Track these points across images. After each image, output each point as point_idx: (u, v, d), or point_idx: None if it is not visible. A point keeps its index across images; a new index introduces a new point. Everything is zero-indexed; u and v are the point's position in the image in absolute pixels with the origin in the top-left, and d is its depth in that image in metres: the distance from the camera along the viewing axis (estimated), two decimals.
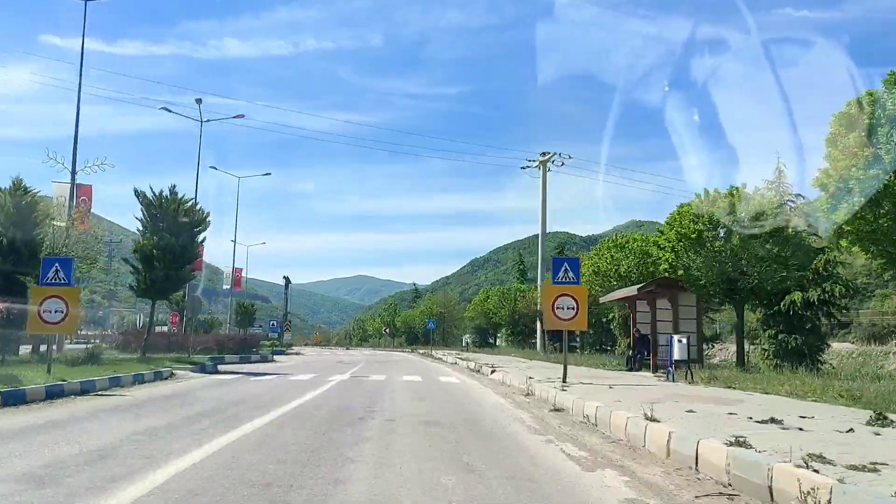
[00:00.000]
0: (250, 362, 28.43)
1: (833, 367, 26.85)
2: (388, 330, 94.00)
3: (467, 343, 64.81)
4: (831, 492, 4.07)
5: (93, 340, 37.65)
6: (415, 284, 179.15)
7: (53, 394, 11.24)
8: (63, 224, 22.97)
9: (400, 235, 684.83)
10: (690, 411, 8.46)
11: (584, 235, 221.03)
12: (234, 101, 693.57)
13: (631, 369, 19.62)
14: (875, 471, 4.66)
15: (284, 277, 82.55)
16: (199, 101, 36.65)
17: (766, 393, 11.55)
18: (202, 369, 20.25)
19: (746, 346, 28.74)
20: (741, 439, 5.77)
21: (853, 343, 46.27)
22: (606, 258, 35.82)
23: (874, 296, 50.35)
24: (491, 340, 68.91)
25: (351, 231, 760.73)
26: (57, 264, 13.97)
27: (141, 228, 22.62)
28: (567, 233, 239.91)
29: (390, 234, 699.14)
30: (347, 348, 77.55)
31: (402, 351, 61.24)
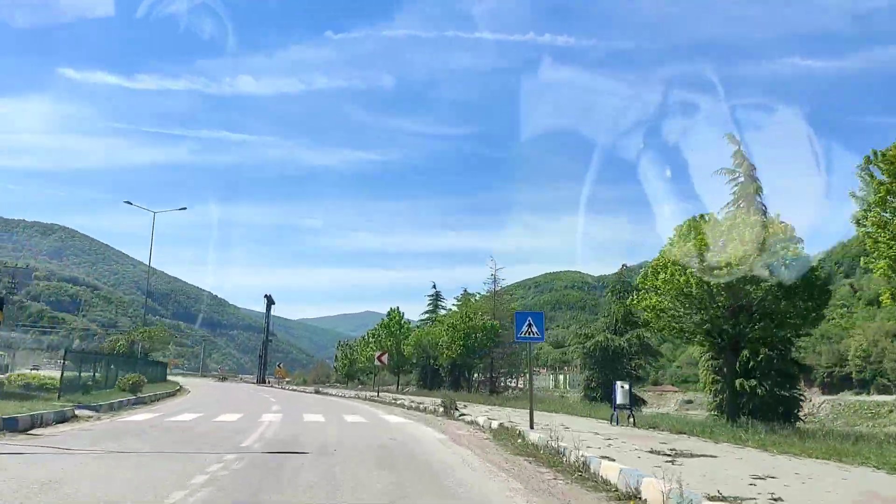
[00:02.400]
0: None
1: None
2: (382, 358, 48.88)
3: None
4: None
5: None
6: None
7: None
8: None
9: (407, 272, 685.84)
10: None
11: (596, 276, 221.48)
12: (247, 136, 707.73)
13: None
14: None
15: (266, 297, 78.49)
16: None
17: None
18: None
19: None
20: None
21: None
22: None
23: None
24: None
25: (357, 267, 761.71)
26: None
27: None
28: (579, 272, 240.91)
29: (397, 271, 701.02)
30: (290, 390, 60.60)
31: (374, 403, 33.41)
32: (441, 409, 22.43)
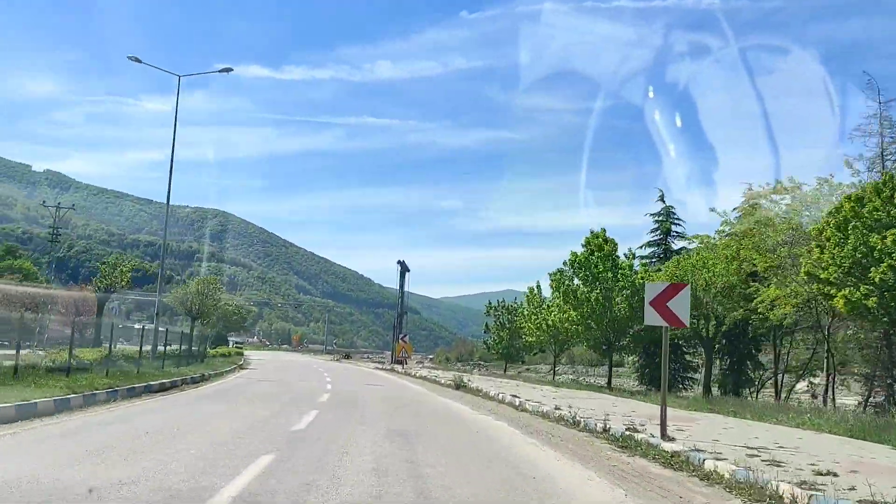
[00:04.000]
0: None
1: None
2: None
3: None
4: None
5: None
6: None
7: None
8: None
9: (546, 251, 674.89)
10: None
11: None
12: (388, 121, 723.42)
13: None
14: None
15: (399, 262, 68.74)
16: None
17: None
18: None
19: None
20: None
21: None
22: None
23: None
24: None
25: (497, 246, 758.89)
26: None
27: None
28: None
29: (535, 249, 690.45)
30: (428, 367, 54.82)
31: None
32: None
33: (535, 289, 45.81)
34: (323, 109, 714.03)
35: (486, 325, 57.45)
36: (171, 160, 28.24)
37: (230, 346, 73.31)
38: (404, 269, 69.44)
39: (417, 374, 38.60)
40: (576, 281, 34.87)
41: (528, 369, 67.14)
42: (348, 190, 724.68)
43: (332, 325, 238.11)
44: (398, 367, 51.33)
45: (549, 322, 38.09)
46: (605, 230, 34.99)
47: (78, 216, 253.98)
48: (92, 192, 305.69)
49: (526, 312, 46.03)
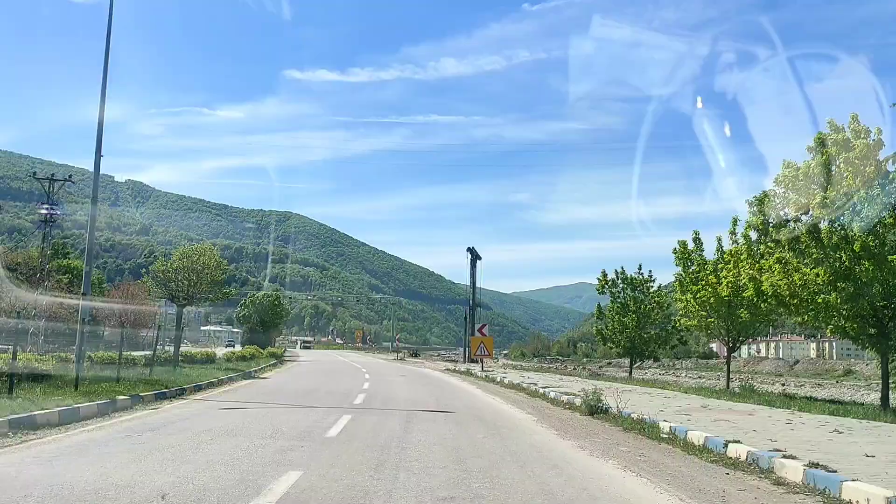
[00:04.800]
0: None
1: None
2: None
3: None
4: None
5: None
6: None
7: None
8: None
9: (617, 242, 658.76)
10: None
11: None
12: (455, 118, 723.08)
13: None
14: None
15: (469, 250, 63.96)
16: None
17: None
18: None
19: None
20: None
21: None
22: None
23: None
24: None
25: (568, 239, 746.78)
26: None
27: None
28: None
29: (607, 241, 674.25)
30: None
31: None
32: None
33: (693, 243, 27.63)
34: (390, 110, 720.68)
35: (598, 308, 39.07)
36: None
37: (277, 345, 66.75)
38: (475, 256, 64.54)
39: (506, 382, 26.51)
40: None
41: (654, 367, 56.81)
42: (417, 188, 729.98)
43: (404, 322, 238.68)
44: (475, 368, 41.09)
45: (748, 290, 19.71)
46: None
47: (158, 223, 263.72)
48: (170, 200, 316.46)
49: (687, 279, 26.81)
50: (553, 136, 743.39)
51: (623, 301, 36.00)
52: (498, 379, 28.40)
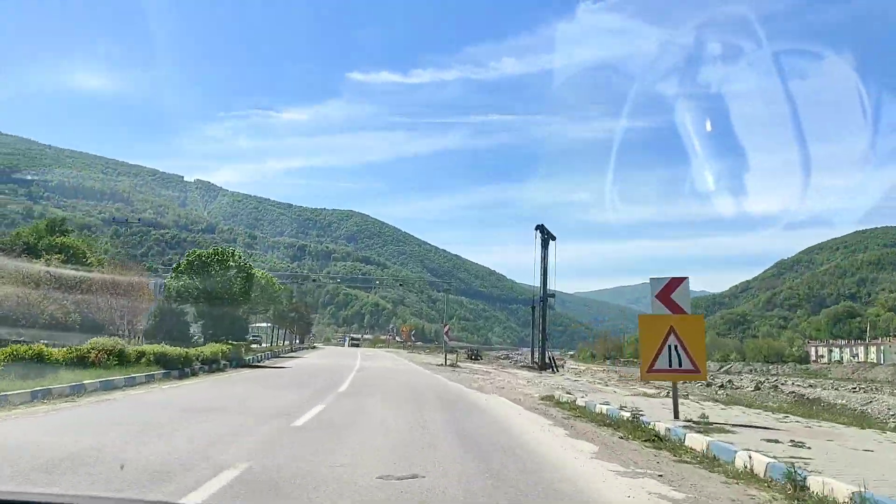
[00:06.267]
0: None
1: None
2: None
3: None
4: None
5: None
6: (705, 292, 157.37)
7: None
8: None
9: (681, 242, 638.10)
10: None
11: None
12: (513, 117, 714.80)
13: None
14: None
15: (538, 228, 51.45)
16: None
17: None
18: None
19: None
20: None
21: None
22: None
23: None
24: None
25: (632, 238, 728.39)
26: None
27: None
28: None
29: (669, 241, 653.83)
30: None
31: None
32: None
33: None
34: (449, 109, 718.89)
35: None
36: None
37: (249, 338, 46.74)
38: (546, 236, 52.06)
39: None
40: None
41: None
42: (478, 187, 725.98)
43: (465, 322, 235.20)
44: (548, 376, 35.24)
45: None
46: None
47: (226, 222, 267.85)
48: (237, 199, 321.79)
49: None
50: (612, 135, 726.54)
51: None
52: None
